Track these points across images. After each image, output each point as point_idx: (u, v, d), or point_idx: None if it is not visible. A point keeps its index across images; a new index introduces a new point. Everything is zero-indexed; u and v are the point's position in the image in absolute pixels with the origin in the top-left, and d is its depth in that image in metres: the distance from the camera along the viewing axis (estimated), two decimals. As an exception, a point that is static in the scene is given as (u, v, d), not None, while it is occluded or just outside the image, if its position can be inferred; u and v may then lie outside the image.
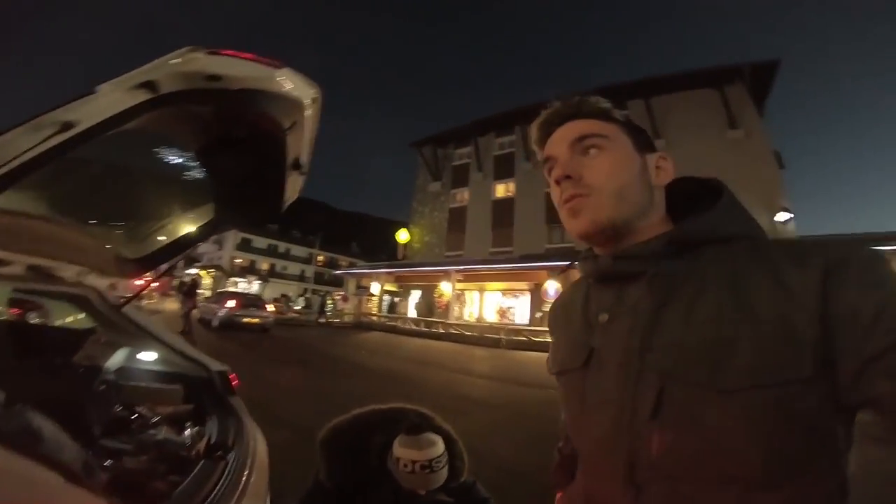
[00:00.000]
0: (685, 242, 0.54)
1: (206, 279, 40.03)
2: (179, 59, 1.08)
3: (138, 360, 2.07)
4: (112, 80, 1.02)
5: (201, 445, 1.63)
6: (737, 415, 0.43)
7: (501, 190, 23.73)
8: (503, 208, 23.03)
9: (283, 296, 35.10)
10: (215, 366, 2.07)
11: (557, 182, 0.61)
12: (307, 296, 32.49)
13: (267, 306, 15.07)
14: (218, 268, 41.82)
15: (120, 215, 1.96)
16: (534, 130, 0.66)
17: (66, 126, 0.96)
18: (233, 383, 2.07)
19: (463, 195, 25.27)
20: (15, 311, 2.48)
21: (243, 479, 1.43)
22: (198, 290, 12.63)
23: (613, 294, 0.58)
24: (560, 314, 0.72)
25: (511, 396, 6.86)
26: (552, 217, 20.90)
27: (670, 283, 0.53)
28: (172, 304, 14.18)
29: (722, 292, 0.48)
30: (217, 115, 1.42)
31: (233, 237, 43.76)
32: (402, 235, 25.93)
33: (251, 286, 43.73)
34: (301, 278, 52.07)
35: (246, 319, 13.35)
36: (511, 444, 4.21)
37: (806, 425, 0.42)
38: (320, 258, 55.23)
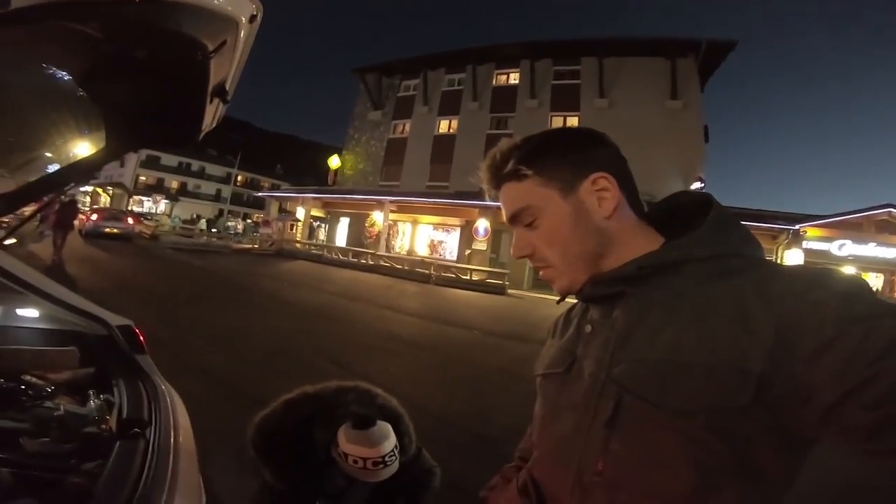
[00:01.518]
0: (659, 266, 0.55)
1: (104, 198, 35.66)
2: None
3: (16, 317, 1.71)
4: None
5: (112, 419, 1.41)
6: (676, 434, 0.47)
7: (444, 126, 23.28)
8: (444, 144, 22.73)
9: (197, 216, 32.45)
10: (116, 320, 1.77)
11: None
12: (211, 217, 30.29)
13: (128, 219, 18.40)
14: (119, 185, 37.17)
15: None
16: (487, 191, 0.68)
17: None
18: (140, 339, 1.79)
19: (404, 127, 24.48)
20: None
21: (170, 462, 1.25)
22: (76, 213, 11.21)
23: (601, 310, 0.61)
24: (562, 323, 0.73)
25: (440, 336, 7.02)
26: (490, 157, 21.04)
27: (647, 302, 0.55)
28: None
29: (690, 317, 0.50)
30: (110, 33, 1.06)
31: (136, 154, 38.38)
32: (335, 160, 24.82)
33: (158, 205, 39.76)
34: (217, 198, 48.16)
35: (107, 230, 16.47)
36: (443, 389, 4.33)
37: (739, 451, 0.45)
38: (240, 178, 51.14)
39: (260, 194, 28.57)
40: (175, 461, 1.26)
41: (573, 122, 19.73)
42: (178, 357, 4.02)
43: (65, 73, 1.27)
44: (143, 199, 40.53)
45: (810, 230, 13.57)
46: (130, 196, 39.01)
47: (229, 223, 25.30)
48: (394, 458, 1.13)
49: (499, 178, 0.63)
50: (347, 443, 1.11)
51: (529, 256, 0.63)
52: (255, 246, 21.28)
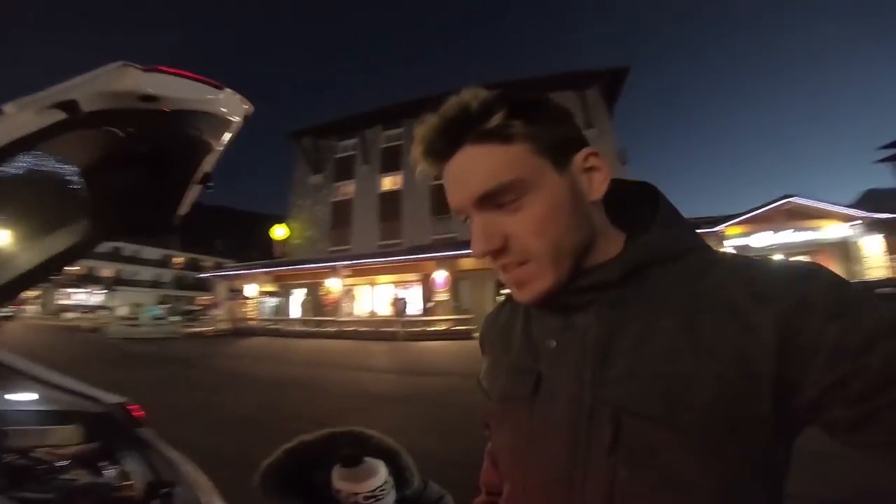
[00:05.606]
0: (637, 268, 0.49)
1: (28, 292, 33.17)
2: (109, 77, 0.96)
3: (16, 402, 1.69)
4: (23, 98, 0.91)
5: (139, 485, 1.42)
6: (693, 451, 0.42)
7: (389, 182, 23.65)
8: (391, 201, 23.01)
9: (137, 306, 30.57)
10: (110, 398, 1.83)
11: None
12: (152, 305, 29.11)
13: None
14: (44, 278, 34.79)
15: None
16: (420, 161, 0.52)
17: None
18: (136, 414, 1.84)
19: (347, 188, 24.63)
20: None
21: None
22: None
23: (560, 319, 0.53)
24: (497, 334, 0.65)
25: (417, 387, 7.00)
26: (438, 209, 21.57)
27: (619, 309, 0.49)
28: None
29: (675, 322, 0.45)
30: (132, 135, 1.28)
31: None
32: (279, 231, 24.35)
33: (90, 297, 36.93)
34: (156, 284, 45.49)
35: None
36: (432, 433, 4.31)
37: (757, 458, 0.43)
38: (179, 260, 48.93)
39: (204, 275, 27.31)
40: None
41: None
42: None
43: (72, 166, 1.40)
44: (73, 290, 37.65)
45: (729, 230, 14.62)
46: (57, 289, 36.18)
47: (157, 310, 25.10)
48: (385, 491, 1.19)
49: (469, 134, 0.47)
50: (339, 480, 1.18)
51: (498, 252, 0.49)
52: (209, 328, 20.35)
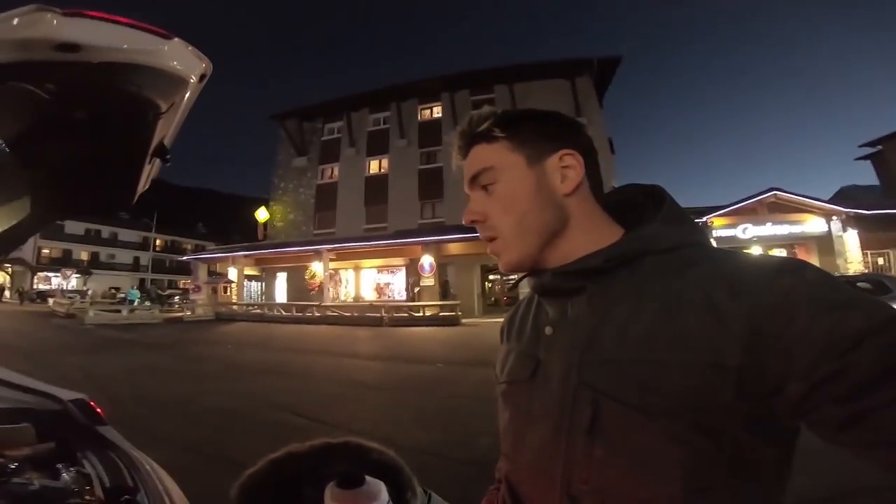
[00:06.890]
0: (623, 258, 0.53)
1: (2, 277, 31.87)
2: (17, 22, 0.78)
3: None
4: None
5: (97, 489, 1.30)
6: (660, 435, 0.44)
7: (375, 166, 23.40)
8: (377, 185, 22.82)
9: (114, 290, 29.83)
10: (66, 394, 1.67)
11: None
12: (116, 287, 28.37)
13: None
14: (18, 261, 33.23)
15: None
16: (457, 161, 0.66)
17: None
18: (96, 411, 1.70)
19: (332, 171, 24.32)
20: None
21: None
22: None
23: (559, 307, 0.58)
24: (514, 324, 0.71)
25: (405, 376, 6.91)
26: (425, 193, 21.37)
27: (609, 297, 0.53)
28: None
29: (656, 311, 0.48)
30: (63, 94, 1.07)
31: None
32: (262, 213, 23.97)
33: (67, 281, 35.82)
34: (135, 267, 44.53)
35: None
36: (420, 424, 4.24)
37: (726, 448, 0.43)
38: (158, 242, 47.95)
39: (184, 258, 26.69)
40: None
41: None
42: (134, 430, 3.66)
43: None
44: (50, 274, 36.42)
45: (715, 220, 15.04)
46: (34, 273, 35.01)
47: (122, 294, 24.79)
48: None
49: (471, 138, 0.61)
50: (334, 501, 1.03)
51: (480, 223, 0.60)
52: (188, 313, 19.96)
